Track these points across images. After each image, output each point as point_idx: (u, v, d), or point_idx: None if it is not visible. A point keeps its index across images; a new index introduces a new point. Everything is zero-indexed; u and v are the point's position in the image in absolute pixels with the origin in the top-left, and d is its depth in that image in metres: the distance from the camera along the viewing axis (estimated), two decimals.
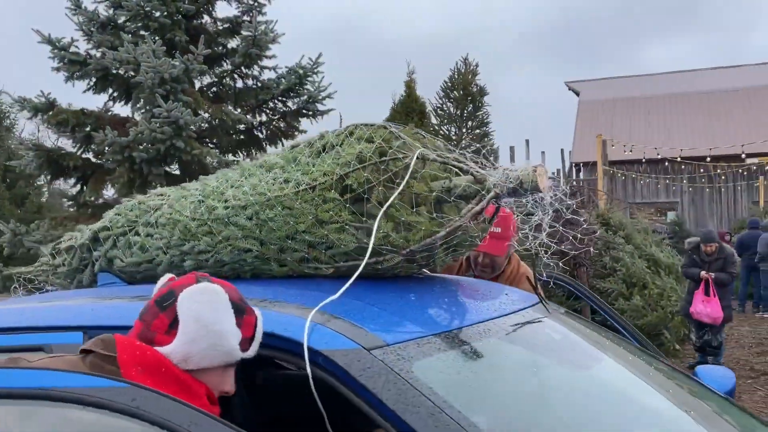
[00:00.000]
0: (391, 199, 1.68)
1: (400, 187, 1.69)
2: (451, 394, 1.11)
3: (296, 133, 9.16)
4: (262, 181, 1.93)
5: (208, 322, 1.29)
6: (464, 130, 9.68)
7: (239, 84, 8.98)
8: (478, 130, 9.70)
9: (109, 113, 8.73)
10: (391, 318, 1.46)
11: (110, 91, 8.76)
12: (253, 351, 1.35)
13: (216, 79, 8.87)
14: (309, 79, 8.69)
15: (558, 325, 1.74)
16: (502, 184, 1.72)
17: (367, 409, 1.10)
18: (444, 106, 9.97)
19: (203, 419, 0.93)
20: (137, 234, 2.21)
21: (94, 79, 8.51)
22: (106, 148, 7.38)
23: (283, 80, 8.63)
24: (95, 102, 8.57)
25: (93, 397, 0.94)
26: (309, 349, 1.23)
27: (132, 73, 7.88)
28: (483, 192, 1.74)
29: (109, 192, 8.61)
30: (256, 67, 8.62)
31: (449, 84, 9.89)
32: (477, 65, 10.03)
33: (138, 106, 8.37)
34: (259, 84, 8.88)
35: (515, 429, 1.07)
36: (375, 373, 1.14)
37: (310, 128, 9.25)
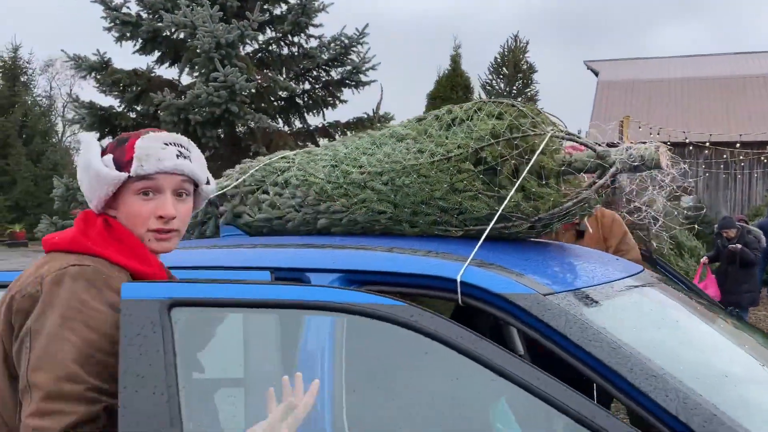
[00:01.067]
0: (524, 172, 1.88)
1: (532, 161, 1.90)
2: (618, 335, 1.33)
3: (337, 102, 9.34)
4: (395, 150, 2.14)
5: (83, 166, 1.49)
6: None
7: (284, 51, 9.14)
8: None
9: (152, 74, 8.95)
10: (543, 271, 1.68)
11: (156, 53, 8.99)
12: (136, 168, 1.45)
13: (262, 46, 9.02)
14: (354, 49, 8.84)
15: (669, 287, 1.98)
16: (625, 160, 1.92)
17: (549, 344, 1.32)
18: (494, 82, 10.09)
19: (463, 333, 1.15)
20: (265, 192, 2.44)
21: (141, 41, 8.74)
22: (159, 112, 7.63)
23: (328, 49, 8.79)
24: (136, 63, 8.72)
25: (382, 311, 1.18)
26: (487, 291, 1.47)
27: (183, 36, 8.08)
28: (607, 166, 1.94)
29: None
30: (303, 35, 8.77)
31: (499, 61, 10.00)
32: (528, 43, 10.16)
33: (187, 69, 8.59)
34: (304, 52, 9.04)
35: (678, 368, 1.29)
36: (555, 314, 1.36)
37: (352, 98, 9.42)
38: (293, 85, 8.55)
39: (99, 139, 9.41)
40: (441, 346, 1.14)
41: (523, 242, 2.04)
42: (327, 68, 9.14)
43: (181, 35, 8.15)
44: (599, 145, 2.03)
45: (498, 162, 1.95)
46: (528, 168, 1.93)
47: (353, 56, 8.83)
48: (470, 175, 1.97)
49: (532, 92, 9.78)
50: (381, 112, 8.82)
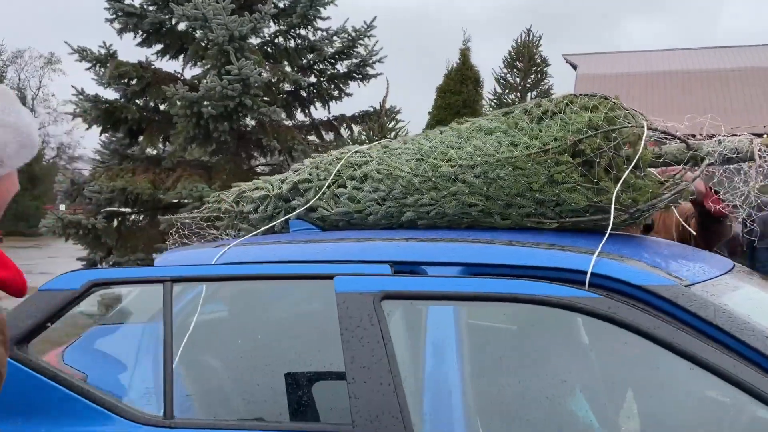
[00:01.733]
0: (631, 163, 1.91)
1: (638, 155, 1.93)
2: (761, 323, 1.37)
3: (343, 96, 9.31)
4: (486, 144, 2.16)
5: (13, 124, 1.26)
6: (528, 100, 9.95)
7: (290, 44, 9.08)
8: (540, 99, 9.98)
9: (153, 66, 8.85)
10: (666, 263, 1.72)
11: (157, 46, 8.88)
12: None
13: (269, 38, 8.96)
14: (361, 42, 8.81)
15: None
16: (720, 152, 1.96)
17: (695, 335, 1.35)
18: (509, 75, 10.15)
19: (660, 324, 1.18)
20: (342, 186, 2.45)
21: (144, 33, 8.64)
22: (165, 105, 7.55)
23: (335, 42, 8.75)
24: (137, 55, 8.60)
25: (583, 305, 1.21)
26: (626, 282, 1.50)
27: (187, 28, 8.01)
28: (702, 157, 1.98)
29: (162, 145, 8.79)
30: (310, 27, 8.72)
31: (514, 55, 10.04)
32: (541, 37, 10.20)
33: (193, 62, 8.52)
34: (310, 45, 8.99)
35: None
36: (702, 304, 1.39)
37: (358, 92, 9.40)
38: (302, 78, 8.49)
39: (101, 133, 9.32)
40: (638, 337, 1.17)
41: (621, 236, 2.08)
42: (333, 61, 9.11)
43: (182, 26, 8.09)
44: (691, 138, 2.07)
45: (596, 154, 1.98)
46: (629, 160, 1.96)
47: (360, 49, 8.81)
48: (569, 167, 2.00)
49: (546, 86, 9.84)
50: (387, 106, 8.81)
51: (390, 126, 8.54)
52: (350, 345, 1.10)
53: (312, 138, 9.49)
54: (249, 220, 2.76)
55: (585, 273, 1.58)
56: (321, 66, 9.21)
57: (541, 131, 2.09)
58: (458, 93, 10.66)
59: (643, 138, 1.96)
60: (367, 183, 2.39)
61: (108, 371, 2.09)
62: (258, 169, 9.44)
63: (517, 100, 9.67)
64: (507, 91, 9.76)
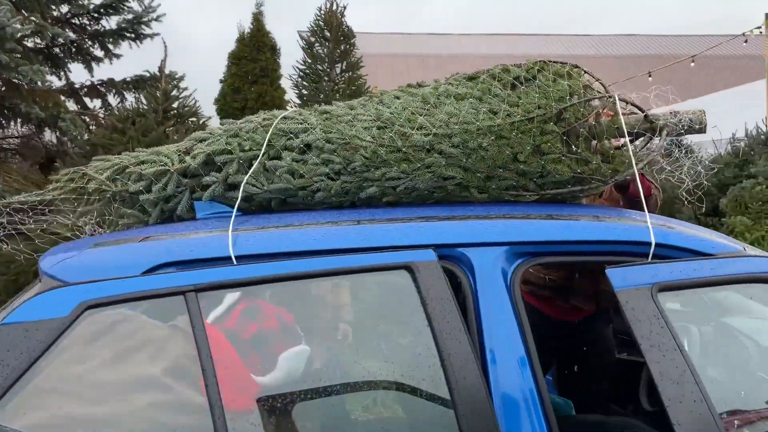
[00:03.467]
0: (629, 143, 1.91)
1: (618, 124, 1.93)
2: None
3: (112, 57, 8.11)
4: (461, 111, 1.97)
5: None
6: (337, 72, 9.54)
7: None
8: (350, 72, 9.62)
9: None
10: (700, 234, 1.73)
11: None
12: None
13: None
14: None
15: None
16: (675, 123, 2.06)
17: None
18: (317, 45, 9.61)
19: None
20: (275, 158, 2.06)
21: None
22: None
23: None
24: None
25: None
26: (698, 252, 1.48)
27: None
28: (660, 127, 2.06)
29: None
30: None
31: (321, 24, 9.54)
32: (345, 7, 9.82)
33: None
34: None
35: None
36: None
37: (130, 53, 8.26)
38: (62, 32, 7.14)
39: None
40: None
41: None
42: (97, 15, 7.85)
43: None
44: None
45: (581, 123, 1.94)
46: (608, 130, 1.96)
47: (133, 3, 7.72)
48: (554, 137, 1.93)
49: (355, 58, 9.64)
50: (167, 71, 7.91)
51: (174, 93, 7.64)
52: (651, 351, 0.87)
53: (71, 106, 8.13)
54: (134, 202, 2.18)
55: (648, 244, 1.53)
56: (81, 20, 7.88)
57: (519, 98, 1.98)
58: (255, 60, 10.00)
59: (618, 107, 1.97)
60: (311, 154, 2.04)
61: None
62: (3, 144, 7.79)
63: (328, 70, 9.39)
64: (316, 61, 9.44)
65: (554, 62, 2.07)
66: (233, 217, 1.84)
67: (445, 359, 1.32)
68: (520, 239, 1.61)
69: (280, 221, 1.89)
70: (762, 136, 7.02)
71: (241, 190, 2.03)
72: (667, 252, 1.53)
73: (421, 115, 2.00)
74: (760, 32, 7.70)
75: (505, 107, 1.96)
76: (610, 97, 2.00)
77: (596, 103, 2.04)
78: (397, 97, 2.11)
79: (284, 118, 2.14)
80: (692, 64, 10.43)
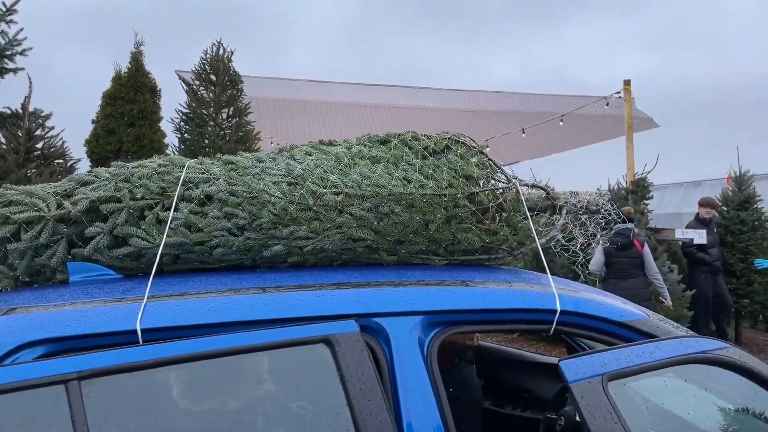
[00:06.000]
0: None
1: (524, 204, 1.98)
2: None
3: None
4: (375, 173, 1.94)
5: None
6: (222, 117, 9.06)
7: None
8: (237, 118, 9.17)
9: None
10: (600, 298, 1.76)
11: None
12: None
13: None
14: None
15: None
16: (573, 204, 2.17)
17: None
18: (203, 88, 9.10)
19: None
20: (169, 210, 1.89)
21: None
22: None
23: None
24: None
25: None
26: (607, 320, 1.51)
27: None
28: (560, 205, 2.15)
29: None
30: None
31: (206, 68, 9.09)
32: (233, 51, 9.45)
33: None
34: None
35: None
36: (668, 330, 1.48)
37: None
38: None
39: None
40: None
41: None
42: None
43: None
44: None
45: (491, 200, 1.98)
46: (515, 207, 2.02)
47: None
48: (466, 211, 1.94)
49: (242, 104, 9.26)
50: (32, 108, 7.32)
51: (39, 133, 7.02)
52: None
53: None
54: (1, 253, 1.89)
55: (553, 311, 1.54)
56: None
57: (432, 171, 1.98)
58: (132, 101, 9.39)
59: (520, 189, 2.04)
60: (212, 207, 1.89)
61: None
62: None
63: (214, 115, 8.96)
64: (202, 105, 8.98)
65: (462, 141, 2.11)
66: (150, 280, 1.61)
67: None
68: (437, 308, 1.56)
69: (183, 287, 1.70)
70: (623, 191, 7.62)
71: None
72: (577, 320, 1.55)
73: (333, 174, 1.93)
74: (620, 96, 8.53)
75: (418, 177, 1.95)
76: (514, 184, 2.06)
77: (501, 184, 2.10)
78: (309, 154, 2.04)
79: (183, 166, 1.99)
80: (561, 123, 11.27)
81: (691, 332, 1.67)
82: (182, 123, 9.18)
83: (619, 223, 2.41)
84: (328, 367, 1.27)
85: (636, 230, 6.46)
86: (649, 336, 1.50)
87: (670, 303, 6.40)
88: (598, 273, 6.32)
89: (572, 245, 2.24)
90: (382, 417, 1.22)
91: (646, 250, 6.22)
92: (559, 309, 1.56)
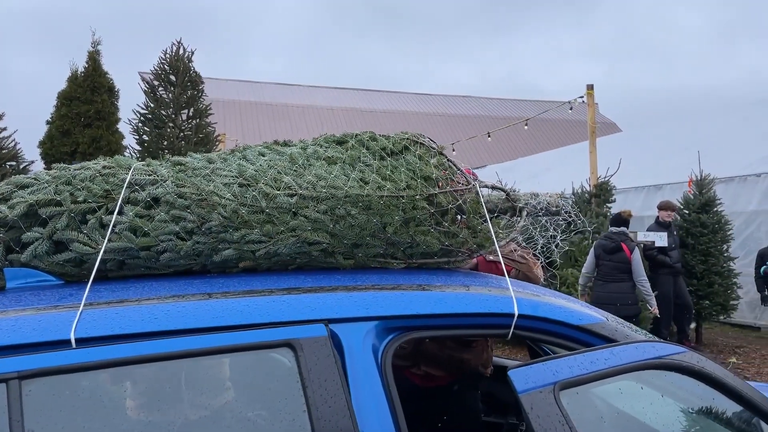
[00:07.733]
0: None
1: (486, 200, 1.95)
2: None
3: None
4: (331, 174, 1.88)
5: None
6: (182, 118, 8.81)
7: None
8: (198, 120, 8.93)
9: None
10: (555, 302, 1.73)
11: None
12: None
13: None
14: None
15: None
16: (534, 205, 2.14)
17: None
18: (162, 89, 8.83)
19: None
20: (113, 213, 1.80)
21: None
22: None
23: None
24: None
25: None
26: (565, 324, 1.47)
27: None
28: (521, 207, 2.12)
29: None
30: None
31: (165, 68, 8.83)
32: (194, 52, 9.20)
33: None
34: None
35: None
36: (626, 334, 1.45)
37: None
38: None
39: None
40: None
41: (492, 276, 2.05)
42: None
43: None
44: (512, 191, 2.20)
45: (450, 203, 1.94)
46: (475, 210, 1.97)
47: None
48: (425, 213, 1.89)
49: (203, 105, 9.04)
50: None
51: None
52: None
53: None
54: None
55: (511, 316, 1.50)
56: None
57: (389, 172, 1.93)
58: (89, 102, 9.11)
59: (481, 197, 2.00)
60: (159, 209, 1.80)
61: None
62: None
63: (173, 116, 8.72)
64: (161, 106, 8.73)
65: (421, 142, 2.06)
66: (88, 286, 1.53)
67: None
68: (391, 313, 1.50)
69: (124, 293, 1.61)
70: (587, 195, 7.69)
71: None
72: (534, 323, 1.52)
73: (287, 175, 1.86)
74: (583, 101, 8.62)
75: (376, 178, 1.89)
76: (473, 185, 2.02)
77: (460, 185, 2.06)
78: (262, 154, 1.97)
79: (129, 168, 1.90)
80: (526, 127, 11.36)
81: (650, 335, 1.65)
82: (140, 124, 8.96)
83: (579, 224, 2.41)
84: (291, 372, 1.21)
85: (629, 235, 6.53)
86: (607, 340, 1.48)
87: (657, 311, 6.48)
88: (586, 278, 6.38)
89: (531, 246, 2.21)
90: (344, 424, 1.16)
91: (635, 255, 6.28)
92: (516, 313, 1.52)
